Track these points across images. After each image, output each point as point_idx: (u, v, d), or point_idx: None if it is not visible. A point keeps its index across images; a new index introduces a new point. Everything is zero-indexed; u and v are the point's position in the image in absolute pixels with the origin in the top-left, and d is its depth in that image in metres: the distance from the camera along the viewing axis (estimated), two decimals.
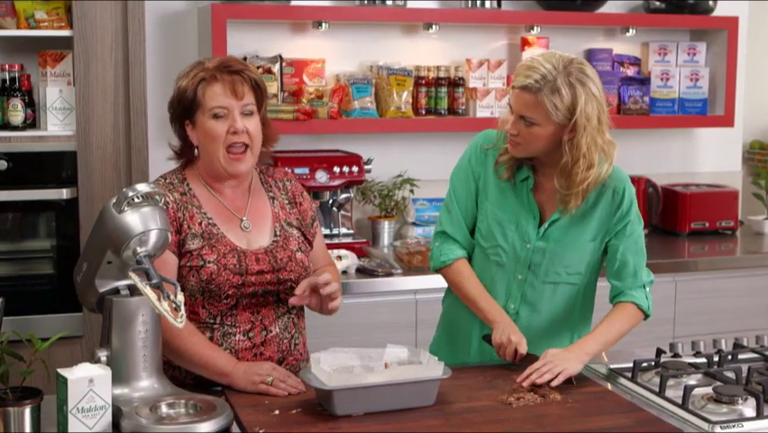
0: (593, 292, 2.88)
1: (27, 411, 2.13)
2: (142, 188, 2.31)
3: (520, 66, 2.62)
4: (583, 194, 2.65)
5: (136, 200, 2.29)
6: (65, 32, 3.75)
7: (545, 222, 2.75)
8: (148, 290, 2.20)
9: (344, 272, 3.90)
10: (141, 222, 2.27)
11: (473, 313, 2.82)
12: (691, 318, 4.30)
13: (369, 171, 4.24)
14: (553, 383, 2.50)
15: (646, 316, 2.81)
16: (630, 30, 4.75)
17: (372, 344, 2.56)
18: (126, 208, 2.28)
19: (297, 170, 4.01)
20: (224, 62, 2.66)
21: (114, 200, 2.30)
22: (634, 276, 2.77)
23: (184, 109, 2.65)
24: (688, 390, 2.41)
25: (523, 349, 2.62)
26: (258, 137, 2.65)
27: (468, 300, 2.80)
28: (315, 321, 2.90)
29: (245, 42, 4.26)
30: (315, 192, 4.10)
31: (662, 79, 4.79)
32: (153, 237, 2.28)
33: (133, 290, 2.32)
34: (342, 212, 4.27)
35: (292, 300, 2.62)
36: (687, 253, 4.52)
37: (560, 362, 2.54)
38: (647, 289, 2.79)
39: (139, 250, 2.27)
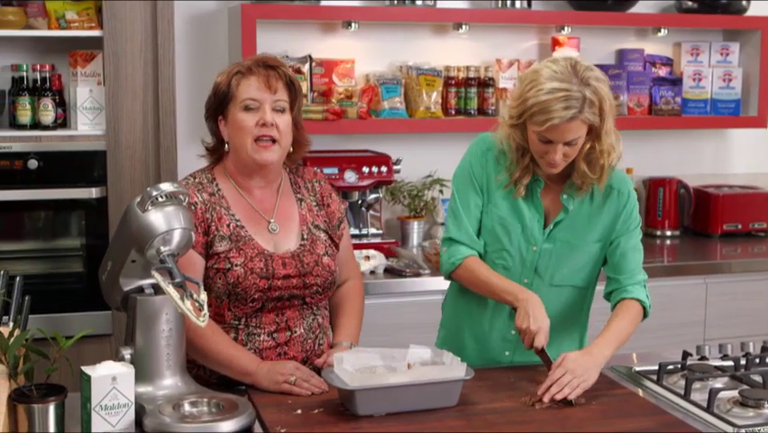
0: (593, 293, 2.86)
1: (51, 408, 2.13)
2: (166, 187, 2.31)
3: (548, 102, 2.50)
4: (606, 177, 2.67)
5: (160, 199, 2.30)
6: (95, 33, 3.77)
7: (550, 223, 2.74)
8: (171, 289, 2.21)
9: (372, 273, 3.90)
10: (165, 221, 2.28)
11: (473, 318, 2.80)
12: (722, 321, 4.26)
13: (398, 172, 4.24)
14: (571, 396, 2.43)
15: (646, 315, 2.77)
16: (662, 30, 4.71)
17: (399, 344, 2.56)
18: (150, 208, 2.29)
19: (326, 170, 4.01)
20: (261, 58, 2.70)
21: (139, 199, 2.31)
22: (632, 271, 2.75)
23: (219, 103, 2.67)
24: (713, 393, 2.38)
25: (538, 342, 2.54)
26: (287, 134, 2.65)
27: (486, 289, 2.72)
28: None
29: (275, 42, 4.27)
30: (344, 192, 4.11)
31: (694, 80, 4.75)
32: (177, 236, 2.29)
33: (158, 289, 2.33)
34: (371, 212, 4.28)
35: (317, 362, 2.64)
36: (719, 255, 4.47)
37: (581, 372, 2.47)
38: (646, 287, 2.77)
39: (162, 249, 2.28)
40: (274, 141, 2.62)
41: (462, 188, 2.80)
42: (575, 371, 2.46)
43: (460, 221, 2.79)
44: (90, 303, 3.71)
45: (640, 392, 2.55)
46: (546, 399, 2.42)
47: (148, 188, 2.31)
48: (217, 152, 2.74)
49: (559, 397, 2.42)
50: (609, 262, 2.78)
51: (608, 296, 2.80)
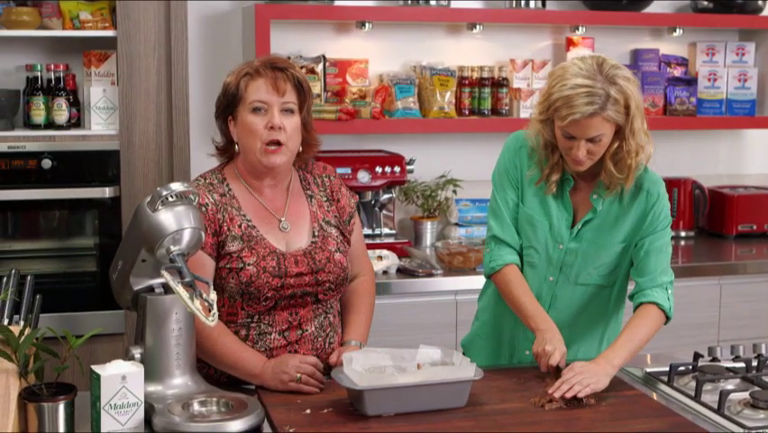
0: (624, 294, 2.85)
1: (61, 407, 2.14)
2: (176, 187, 2.32)
3: (570, 96, 2.52)
4: (633, 178, 2.66)
5: (170, 199, 2.30)
6: (109, 33, 3.79)
7: (578, 222, 2.73)
8: (180, 289, 2.21)
9: (385, 273, 3.90)
10: (175, 221, 2.29)
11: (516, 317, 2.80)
12: (737, 322, 4.24)
13: (411, 172, 4.24)
14: (580, 394, 2.43)
15: (668, 318, 2.73)
16: (677, 30, 4.69)
17: (411, 344, 2.56)
18: (160, 207, 2.29)
19: (339, 170, 4.01)
20: (270, 59, 2.69)
21: (149, 199, 2.31)
22: (654, 272, 2.72)
23: (228, 104, 2.67)
24: (724, 395, 2.37)
25: (554, 361, 2.54)
26: (294, 136, 2.65)
27: (514, 307, 2.75)
28: None
29: (289, 42, 4.27)
30: (357, 192, 4.11)
31: (709, 80, 4.73)
32: (187, 236, 2.29)
33: (168, 289, 2.33)
34: (384, 212, 4.28)
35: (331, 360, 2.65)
36: (734, 256, 4.45)
37: (589, 376, 2.47)
38: (669, 290, 2.73)
39: (172, 248, 2.28)
40: (281, 144, 2.62)
41: (501, 185, 2.82)
42: (584, 374, 2.47)
43: (502, 220, 2.80)
44: (104, 302, 3.73)
45: (650, 394, 2.54)
46: (557, 395, 2.42)
47: (158, 188, 2.31)
48: (227, 152, 2.75)
49: (569, 394, 2.42)
50: (634, 263, 2.77)
51: (631, 299, 2.78)
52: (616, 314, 2.86)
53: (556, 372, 2.54)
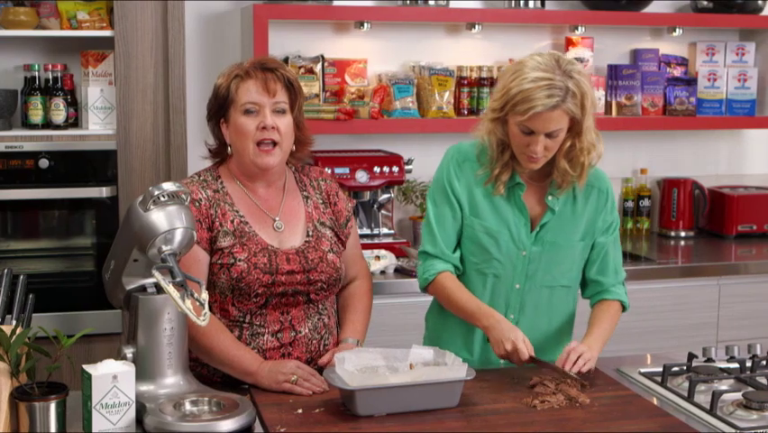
0: (577, 292, 2.89)
1: (52, 406, 2.15)
2: (168, 186, 2.32)
3: (531, 90, 2.51)
4: (586, 175, 2.69)
5: (162, 199, 2.30)
6: (106, 33, 3.79)
7: (537, 225, 2.74)
8: (171, 288, 2.21)
9: (383, 273, 3.90)
10: (167, 220, 2.29)
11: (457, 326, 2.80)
12: (735, 323, 4.23)
13: (409, 172, 4.24)
14: (584, 369, 2.53)
15: (624, 310, 2.87)
16: (677, 30, 4.69)
17: (409, 344, 2.56)
18: (152, 207, 2.29)
19: (338, 170, 4.02)
20: (259, 61, 2.70)
21: (141, 199, 2.32)
22: (615, 272, 2.82)
23: (219, 107, 2.68)
24: (716, 395, 2.37)
25: (524, 356, 2.54)
26: (288, 135, 2.66)
27: (457, 310, 2.74)
28: None
29: (287, 42, 4.27)
30: (356, 192, 4.11)
31: (709, 80, 4.72)
32: (178, 236, 2.30)
33: (160, 288, 2.33)
34: (383, 212, 4.27)
35: (321, 361, 2.66)
36: (733, 257, 4.44)
37: (587, 352, 2.58)
38: (625, 285, 2.85)
39: (164, 248, 2.28)
40: (275, 144, 2.62)
41: (437, 200, 2.79)
42: (582, 351, 2.57)
43: (433, 236, 2.78)
44: (101, 302, 3.63)
45: (643, 394, 2.53)
46: (568, 367, 2.52)
47: (150, 188, 2.32)
48: (220, 155, 2.75)
49: (585, 369, 2.53)
50: (592, 263, 2.81)
51: (591, 297, 2.84)
52: (575, 311, 2.89)
53: (531, 361, 2.56)
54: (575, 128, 2.59)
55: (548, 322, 2.80)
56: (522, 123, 2.56)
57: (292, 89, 2.67)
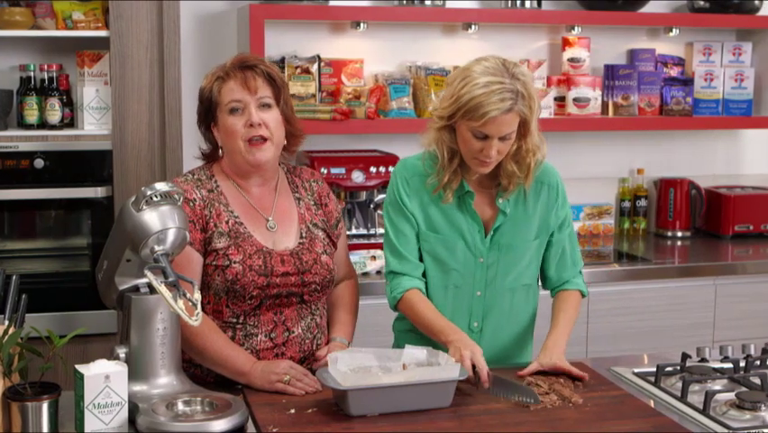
0: (538, 287, 2.91)
1: (45, 406, 2.15)
2: (161, 186, 2.32)
3: (485, 95, 2.51)
4: (533, 176, 2.70)
5: (155, 199, 2.30)
6: (102, 33, 3.79)
7: (490, 230, 2.74)
8: (163, 288, 2.21)
9: (378, 273, 3.90)
10: (160, 220, 2.29)
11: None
12: (732, 323, 4.22)
13: None
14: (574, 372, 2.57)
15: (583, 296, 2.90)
16: (674, 30, 4.69)
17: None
18: (145, 207, 2.29)
19: (334, 170, 4.01)
20: (239, 59, 2.70)
21: (133, 199, 2.32)
22: (574, 265, 2.85)
23: (206, 110, 2.69)
24: (709, 395, 2.37)
25: (485, 376, 2.47)
26: (277, 129, 2.66)
27: (422, 326, 2.72)
28: None
29: (284, 42, 4.28)
30: (352, 192, 4.11)
31: (705, 80, 4.72)
32: (171, 236, 2.30)
33: (153, 288, 2.33)
34: (379, 212, 4.27)
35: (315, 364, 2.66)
36: (730, 257, 4.44)
37: (560, 363, 2.61)
38: (582, 274, 2.89)
39: (156, 248, 2.28)
40: (265, 139, 2.62)
41: (395, 219, 2.78)
42: (545, 363, 2.62)
43: (398, 253, 2.77)
44: (97, 302, 3.64)
45: (636, 394, 2.53)
46: (575, 372, 2.57)
47: (143, 188, 2.32)
48: (213, 158, 2.75)
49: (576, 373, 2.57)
50: (551, 261, 2.83)
51: (552, 289, 2.87)
52: (536, 308, 2.90)
53: (495, 385, 2.49)
54: (522, 130, 2.60)
55: (512, 325, 2.82)
56: (476, 128, 2.55)
57: (274, 83, 2.67)
